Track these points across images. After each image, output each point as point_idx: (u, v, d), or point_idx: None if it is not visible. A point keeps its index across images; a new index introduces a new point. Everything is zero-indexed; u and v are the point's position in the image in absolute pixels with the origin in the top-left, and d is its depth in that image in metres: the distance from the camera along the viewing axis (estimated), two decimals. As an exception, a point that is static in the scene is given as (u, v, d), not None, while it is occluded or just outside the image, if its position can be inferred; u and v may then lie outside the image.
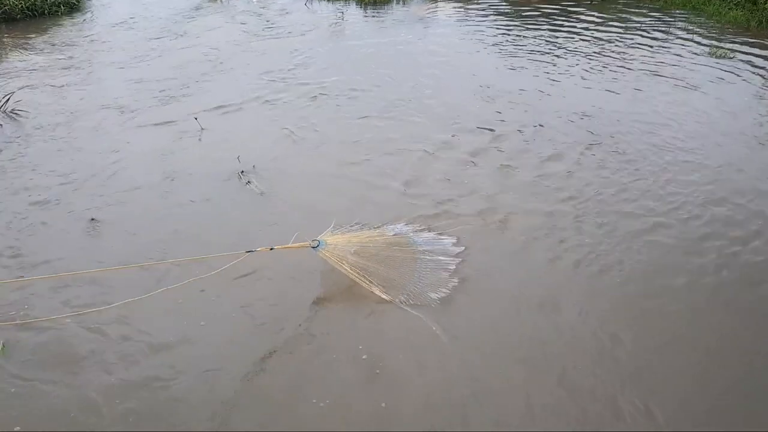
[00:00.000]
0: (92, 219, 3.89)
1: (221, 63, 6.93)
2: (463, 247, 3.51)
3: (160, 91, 6.08)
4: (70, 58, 7.23)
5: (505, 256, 3.53)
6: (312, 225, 3.36)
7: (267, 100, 5.83)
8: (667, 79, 6.37)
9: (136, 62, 7.02)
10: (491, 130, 5.14)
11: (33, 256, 3.50)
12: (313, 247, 3.09)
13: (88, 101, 5.91)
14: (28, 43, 7.78)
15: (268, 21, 8.80)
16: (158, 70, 6.71)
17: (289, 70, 6.67)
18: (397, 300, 3.07)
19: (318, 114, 5.51)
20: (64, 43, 7.84)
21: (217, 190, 4.25)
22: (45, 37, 8.08)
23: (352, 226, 3.52)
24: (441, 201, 4.06)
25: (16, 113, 5.56)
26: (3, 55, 7.38)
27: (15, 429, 2.40)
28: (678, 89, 6.10)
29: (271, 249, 3.05)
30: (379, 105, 5.69)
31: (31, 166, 4.63)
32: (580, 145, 4.86)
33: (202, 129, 5.21)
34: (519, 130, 5.13)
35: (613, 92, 6.06)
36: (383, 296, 3.08)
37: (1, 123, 5.38)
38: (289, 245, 3.08)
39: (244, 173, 4.42)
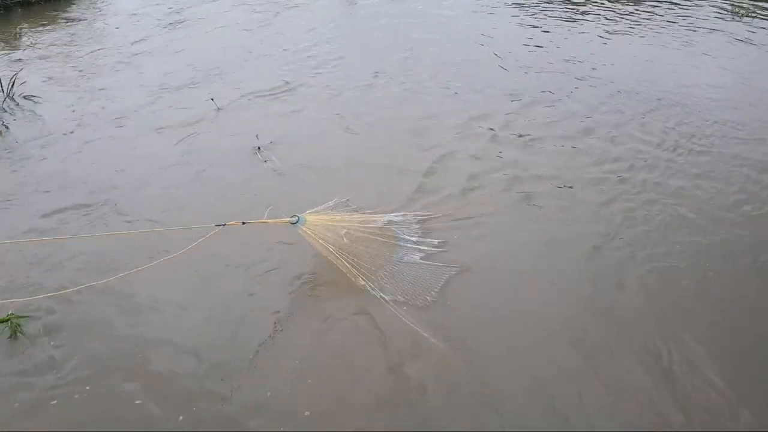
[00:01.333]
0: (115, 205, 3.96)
1: (249, 52, 6.78)
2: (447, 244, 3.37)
3: (182, 85, 5.92)
4: (85, 46, 7.28)
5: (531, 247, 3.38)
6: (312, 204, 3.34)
7: (295, 85, 5.76)
8: (710, 33, 6.37)
9: (152, 51, 6.99)
10: (550, 106, 5.07)
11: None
12: (293, 223, 3.04)
13: (107, 90, 5.90)
14: (43, 30, 7.85)
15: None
16: (179, 62, 6.60)
17: (313, 54, 6.57)
18: (369, 286, 3.00)
19: (349, 96, 5.46)
20: (79, 29, 7.90)
21: (238, 169, 4.29)
22: (60, 23, 8.14)
23: (336, 207, 3.44)
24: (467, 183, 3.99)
25: (29, 98, 5.66)
26: (19, 42, 7.45)
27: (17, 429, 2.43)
28: (731, 46, 6.03)
29: (243, 223, 2.93)
30: (409, 84, 5.64)
31: (38, 150, 4.75)
32: (639, 118, 4.76)
33: (218, 108, 5.28)
34: (570, 103, 5.06)
35: (665, 48, 6.02)
36: (359, 281, 3.01)
37: (11, 108, 5.50)
38: (264, 220, 3.01)
39: (261, 149, 4.51)
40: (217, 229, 2.87)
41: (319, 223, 3.10)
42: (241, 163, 4.38)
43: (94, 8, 8.81)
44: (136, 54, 6.89)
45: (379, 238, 3.24)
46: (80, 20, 8.23)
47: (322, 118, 5.06)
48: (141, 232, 3.40)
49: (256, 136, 4.63)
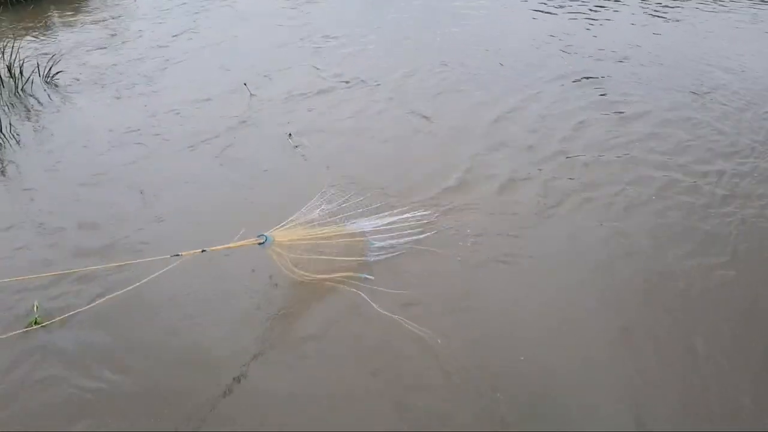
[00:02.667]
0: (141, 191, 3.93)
1: (286, 45, 6.58)
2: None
3: (218, 87, 5.53)
4: (118, 35, 7.32)
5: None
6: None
7: (351, 81, 5.57)
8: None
9: (183, 51, 6.64)
10: (622, 105, 4.90)
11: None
12: (260, 244, 2.77)
13: (139, 93, 5.61)
14: (73, 21, 7.91)
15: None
16: (212, 62, 6.24)
17: (359, 46, 6.46)
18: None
19: (406, 89, 5.34)
20: (110, 19, 7.95)
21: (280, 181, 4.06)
22: (91, 12, 8.23)
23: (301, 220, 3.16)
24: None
25: (55, 83, 5.73)
26: (51, 31, 7.54)
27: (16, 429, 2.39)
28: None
29: (203, 251, 2.64)
30: (466, 75, 5.57)
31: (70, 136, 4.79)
32: (713, 121, 4.53)
33: (252, 95, 5.31)
34: (642, 102, 4.90)
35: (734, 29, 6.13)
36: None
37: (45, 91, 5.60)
38: (227, 245, 2.73)
39: (291, 136, 4.53)
40: (175, 261, 2.60)
41: (288, 240, 2.89)
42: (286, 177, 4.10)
43: (118, 4, 8.80)
44: (168, 51, 6.66)
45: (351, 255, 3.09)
46: (110, 18, 8.15)
47: (383, 113, 4.94)
48: (82, 270, 3.10)
49: (289, 134, 4.57)
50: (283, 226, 2.95)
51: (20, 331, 2.76)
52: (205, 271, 3.11)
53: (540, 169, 4.00)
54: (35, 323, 2.82)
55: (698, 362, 2.56)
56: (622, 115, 4.73)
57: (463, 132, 4.54)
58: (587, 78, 5.40)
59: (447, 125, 4.66)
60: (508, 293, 2.97)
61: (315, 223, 3.11)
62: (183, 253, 2.62)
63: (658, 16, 6.98)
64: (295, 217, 3.04)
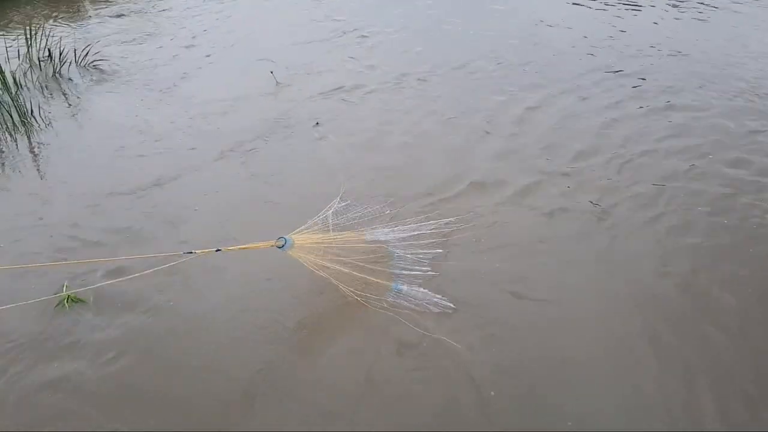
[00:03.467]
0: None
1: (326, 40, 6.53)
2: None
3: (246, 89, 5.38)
4: (149, 28, 7.42)
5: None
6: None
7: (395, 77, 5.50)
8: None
9: (215, 53, 6.68)
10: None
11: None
12: (279, 247, 2.70)
13: (177, 75, 5.75)
14: (107, 9, 8.05)
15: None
16: (245, 60, 6.06)
17: (398, 38, 6.46)
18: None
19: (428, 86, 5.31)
20: (142, 11, 8.06)
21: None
22: (123, 2, 8.36)
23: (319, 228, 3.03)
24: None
25: (91, 70, 5.87)
26: (84, 20, 7.67)
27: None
28: None
29: (218, 250, 2.61)
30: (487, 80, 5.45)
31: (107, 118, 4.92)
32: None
33: (278, 83, 5.33)
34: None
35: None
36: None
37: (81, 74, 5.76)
38: (244, 246, 2.67)
39: (318, 124, 4.60)
40: (187, 258, 2.56)
41: (309, 244, 2.80)
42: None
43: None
44: (198, 48, 6.57)
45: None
46: (142, 10, 8.16)
47: (412, 110, 4.87)
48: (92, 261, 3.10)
49: (316, 122, 4.60)
50: (301, 230, 2.86)
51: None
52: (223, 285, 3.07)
53: (575, 174, 3.91)
54: (68, 300, 2.89)
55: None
56: (669, 116, 4.60)
57: (495, 133, 4.46)
58: (628, 75, 5.31)
59: (479, 125, 4.59)
60: (538, 320, 2.81)
61: (333, 228, 3.01)
62: (197, 252, 2.57)
63: (694, 8, 6.78)
64: (314, 222, 2.96)
